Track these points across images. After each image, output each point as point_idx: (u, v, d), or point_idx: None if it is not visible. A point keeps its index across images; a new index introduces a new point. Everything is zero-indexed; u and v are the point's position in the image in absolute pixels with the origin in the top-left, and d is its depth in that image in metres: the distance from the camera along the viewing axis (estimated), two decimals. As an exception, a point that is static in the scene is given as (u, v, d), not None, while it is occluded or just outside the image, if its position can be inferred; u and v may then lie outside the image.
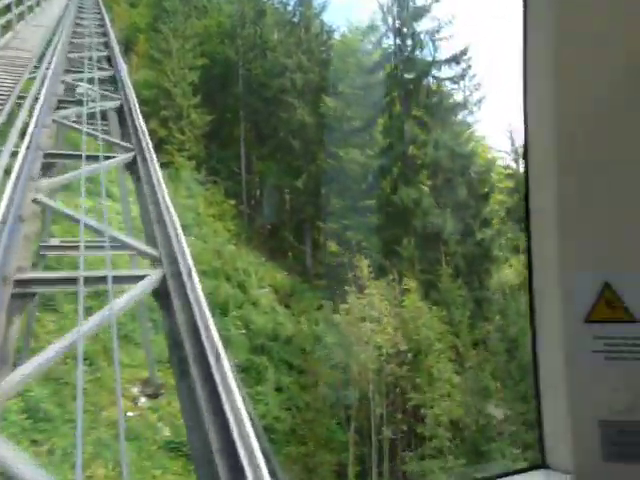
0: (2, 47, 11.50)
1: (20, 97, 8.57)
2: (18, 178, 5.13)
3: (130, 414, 12.61)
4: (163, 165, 28.59)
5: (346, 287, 20.29)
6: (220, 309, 18.63)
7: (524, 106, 1.40)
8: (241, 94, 38.61)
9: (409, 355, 17.36)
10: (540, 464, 1.54)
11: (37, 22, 16.05)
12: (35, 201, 5.25)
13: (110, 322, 3.63)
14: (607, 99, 1.30)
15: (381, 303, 17.92)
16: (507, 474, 1.66)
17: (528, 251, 1.52)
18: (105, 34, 17.34)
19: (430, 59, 26.51)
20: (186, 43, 38.48)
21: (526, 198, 1.49)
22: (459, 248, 20.28)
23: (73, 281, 4.04)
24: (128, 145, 7.54)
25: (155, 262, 4.70)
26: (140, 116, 8.55)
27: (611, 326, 1.38)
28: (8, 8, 13.44)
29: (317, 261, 32.14)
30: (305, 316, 24.21)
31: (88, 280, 3.96)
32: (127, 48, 58.56)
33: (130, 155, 7.13)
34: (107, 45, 15.25)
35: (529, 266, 1.52)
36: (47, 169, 6.61)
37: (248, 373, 16.38)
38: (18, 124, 6.72)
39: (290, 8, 38.19)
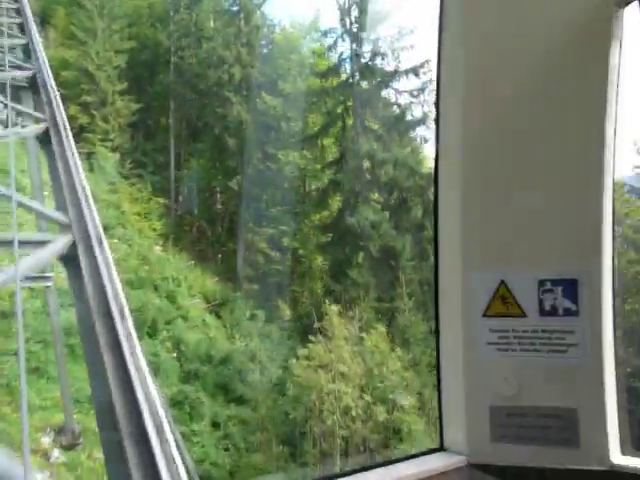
0: None
1: None
2: None
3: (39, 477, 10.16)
4: (83, 155, 26.23)
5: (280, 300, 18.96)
6: (148, 328, 16.77)
7: (436, 116, 1.57)
8: (172, 83, 36.12)
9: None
10: (438, 447, 1.68)
11: None
12: None
13: (16, 285, 3.56)
14: (512, 104, 1.46)
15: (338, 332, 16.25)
16: (407, 458, 1.78)
17: (435, 253, 1.66)
18: (17, 0, 15.93)
19: (389, 69, 25.13)
20: (113, 23, 35.35)
21: (435, 205, 1.63)
22: (416, 274, 19.47)
23: None
24: (40, 116, 7.34)
25: (65, 228, 4.57)
26: (55, 88, 8.30)
27: (504, 320, 1.56)
28: None
29: (249, 266, 30.61)
30: (237, 329, 22.73)
31: None
32: (43, 21, 53.78)
33: (42, 126, 6.95)
34: (19, 12, 14.29)
35: (435, 267, 1.65)
36: None
37: (181, 408, 14.48)
38: None
39: (229, -4, 36.03)
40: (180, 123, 35.84)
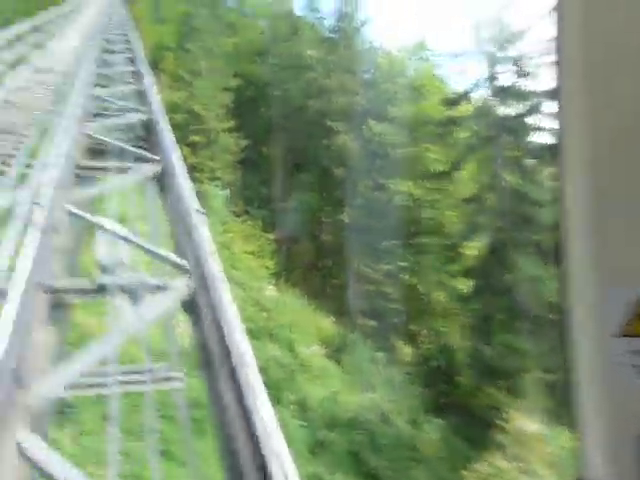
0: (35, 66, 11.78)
1: (51, 112, 8.68)
2: (50, 189, 5.06)
3: None
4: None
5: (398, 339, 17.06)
6: (274, 390, 15.84)
7: (559, 120, 1.29)
8: (275, 117, 36.04)
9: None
10: (578, 478, 1.41)
11: (67, 40, 16.58)
12: (67, 211, 5.26)
13: (141, 332, 3.50)
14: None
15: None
16: None
17: (561, 268, 1.40)
18: (131, 50, 17.45)
19: (534, 89, 22.20)
20: (216, 62, 36.08)
21: (560, 219, 1.38)
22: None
23: (100, 290, 4.07)
24: (156, 157, 7.38)
25: (184, 273, 4.49)
26: (168, 128, 8.38)
27: None
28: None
29: (362, 301, 29.22)
30: (359, 376, 21.34)
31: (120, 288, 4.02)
32: (154, 67, 57.14)
33: (158, 167, 6.99)
34: (133, 61, 15.34)
35: (561, 282, 1.40)
36: (78, 181, 6.78)
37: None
38: (50, 137, 6.78)
39: (328, 23, 35.38)
40: (285, 155, 35.55)
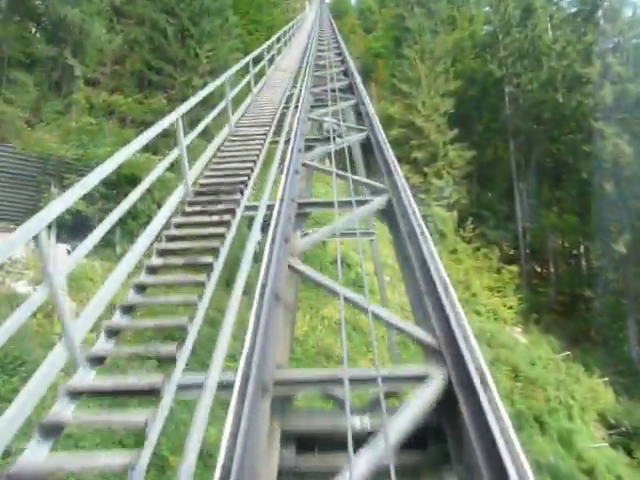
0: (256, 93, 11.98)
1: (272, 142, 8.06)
2: (273, 241, 4.43)
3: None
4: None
5: None
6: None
7: None
8: (509, 118, 30.14)
9: None
10: None
11: (284, 63, 17.38)
12: (290, 268, 4.49)
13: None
14: None
15: None
16: None
17: None
18: (343, 62, 17.40)
19: None
20: (436, 66, 31.69)
21: None
22: None
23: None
24: (380, 186, 6.30)
25: (433, 356, 3.37)
26: (390, 149, 7.15)
27: None
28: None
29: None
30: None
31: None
32: (364, 77, 55.18)
33: (384, 198, 5.86)
34: (346, 74, 15.04)
35: None
36: (299, 222, 6.10)
37: None
38: (272, 171, 6.26)
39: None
40: (525, 167, 29.42)
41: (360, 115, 10.70)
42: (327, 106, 10.72)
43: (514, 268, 25.27)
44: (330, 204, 5.76)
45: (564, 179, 25.56)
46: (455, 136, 30.21)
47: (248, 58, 10.94)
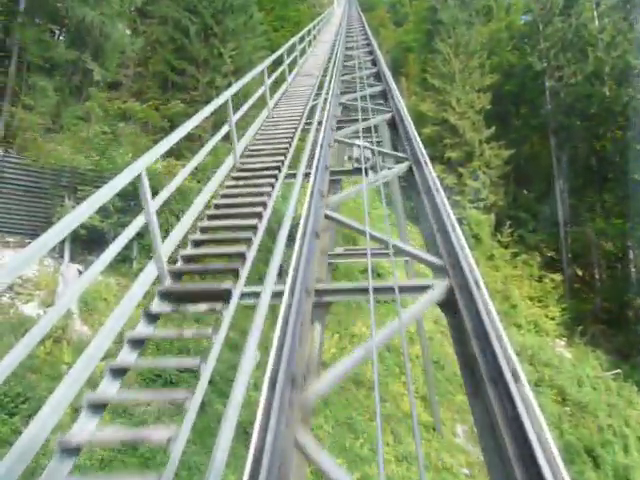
0: (291, 81, 12.93)
1: (307, 123, 9.06)
2: (312, 196, 5.29)
3: None
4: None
5: None
6: None
7: None
8: (550, 114, 28.32)
9: None
10: None
11: (316, 51, 19.08)
12: (326, 217, 5.44)
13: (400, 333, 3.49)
14: None
15: None
16: None
17: None
18: (371, 52, 18.10)
19: None
20: (470, 60, 30.02)
21: None
22: None
23: (364, 291, 4.18)
24: (402, 155, 7.15)
25: (439, 272, 4.28)
26: (412, 125, 8.03)
27: None
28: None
29: None
30: None
31: (377, 290, 4.08)
32: (395, 71, 53.49)
33: (406, 164, 6.70)
34: (374, 62, 15.90)
35: None
36: (333, 185, 7.26)
37: None
38: (307, 145, 7.06)
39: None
40: (568, 166, 27.58)
41: (386, 98, 10.79)
42: (355, 92, 10.93)
43: (557, 276, 23.59)
44: (358, 170, 6.62)
45: (610, 179, 23.66)
46: (491, 134, 28.59)
47: (262, 67, 9.48)
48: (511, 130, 31.18)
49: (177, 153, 19.25)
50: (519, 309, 21.06)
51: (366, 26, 25.38)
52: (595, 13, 28.66)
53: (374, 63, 15.78)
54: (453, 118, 28.23)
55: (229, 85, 26.18)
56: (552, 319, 22.26)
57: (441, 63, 30.43)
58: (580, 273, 25.03)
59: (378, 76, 13.56)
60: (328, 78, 11.56)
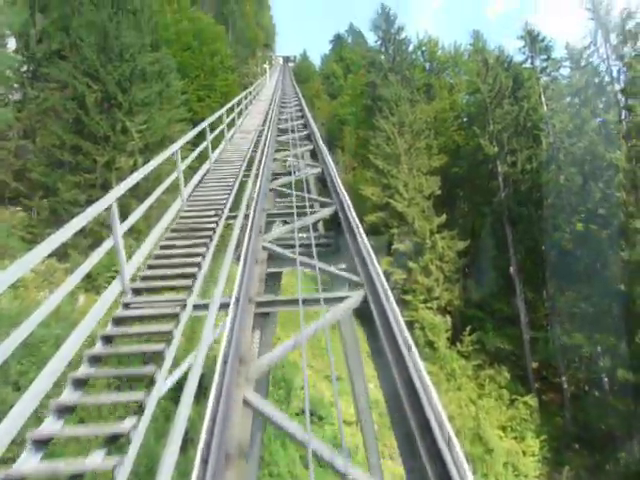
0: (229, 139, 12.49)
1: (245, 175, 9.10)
2: (251, 231, 6.20)
3: None
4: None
5: None
6: None
7: None
8: (504, 201, 25.70)
9: None
10: None
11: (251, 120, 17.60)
12: (264, 248, 6.29)
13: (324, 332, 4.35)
14: None
15: None
16: None
17: None
18: (303, 116, 18.73)
19: None
20: (417, 140, 27.30)
21: None
22: None
23: (295, 302, 4.89)
24: (329, 201, 7.84)
25: (357, 286, 5.26)
26: (339, 180, 8.60)
27: None
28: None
29: None
30: None
31: (306, 301, 4.84)
32: (330, 144, 50.87)
33: (332, 209, 7.46)
34: (306, 126, 16.20)
35: None
36: (269, 224, 7.92)
37: None
38: (246, 193, 7.50)
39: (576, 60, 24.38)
40: (528, 262, 24.77)
41: (316, 157, 10.89)
42: (289, 150, 11.19)
43: (530, 400, 19.86)
44: (290, 214, 7.24)
45: (578, 276, 20.58)
46: (442, 222, 25.51)
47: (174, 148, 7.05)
48: (460, 217, 28.44)
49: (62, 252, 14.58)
50: (495, 453, 16.91)
51: (303, 104, 21.96)
52: (543, 97, 27.01)
53: (305, 126, 16.08)
54: (401, 205, 24.92)
55: (134, 165, 20.69)
56: (532, 455, 18.30)
57: (384, 142, 27.49)
58: (550, 391, 21.56)
59: (309, 137, 13.81)
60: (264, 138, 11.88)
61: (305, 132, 14.96)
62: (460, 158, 28.85)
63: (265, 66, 40.60)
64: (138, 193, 17.62)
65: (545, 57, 27.42)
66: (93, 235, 15.18)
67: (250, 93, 23.16)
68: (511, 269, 24.91)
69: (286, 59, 69.89)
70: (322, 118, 58.52)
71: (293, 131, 14.59)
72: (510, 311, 24.62)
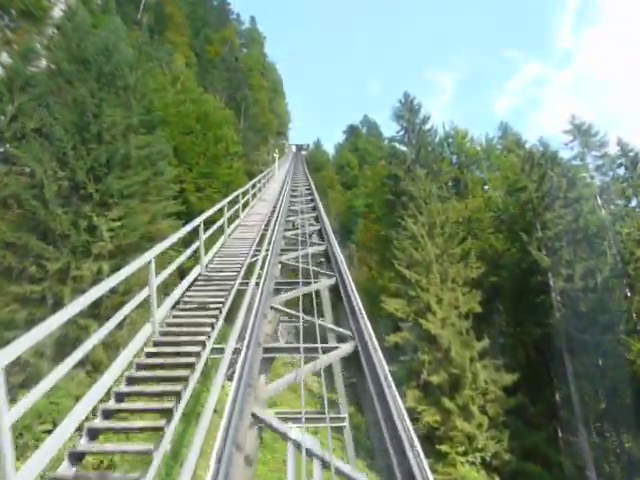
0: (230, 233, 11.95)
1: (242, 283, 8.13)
2: (240, 380, 5.02)
3: None
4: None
5: None
6: None
7: None
8: (562, 324, 20.81)
9: None
10: None
11: (257, 209, 16.94)
12: (254, 416, 4.91)
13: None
14: None
15: None
16: None
17: None
18: (315, 208, 17.86)
19: None
20: (451, 245, 22.98)
21: None
22: None
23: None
24: (348, 333, 6.98)
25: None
26: (358, 299, 7.78)
27: None
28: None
29: None
30: None
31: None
32: (343, 237, 46.73)
33: (350, 345, 6.60)
34: (318, 219, 15.47)
35: None
36: (266, 363, 6.78)
37: None
38: (241, 315, 6.39)
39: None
40: (588, 396, 19.53)
41: (329, 260, 10.71)
42: (297, 250, 11.07)
43: None
44: (294, 349, 6.76)
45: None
46: (484, 348, 20.57)
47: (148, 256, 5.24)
48: (500, 338, 23.53)
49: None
50: None
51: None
52: (599, 200, 22.95)
53: (317, 220, 15.46)
54: (433, 326, 20.10)
55: (99, 273, 16.52)
56: None
57: (411, 245, 23.16)
58: None
59: (321, 234, 13.34)
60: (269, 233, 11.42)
61: (317, 227, 14.57)
62: (500, 267, 24.34)
63: (275, 155, 37.31)
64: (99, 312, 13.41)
65: (599, 154, 23.65)
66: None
67: (254, 185, 19.36)
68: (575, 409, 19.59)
69: (299, 147, 68.37)
70: (335, 209, 55.32)
71: (303, 225, 14.29)
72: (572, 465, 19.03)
